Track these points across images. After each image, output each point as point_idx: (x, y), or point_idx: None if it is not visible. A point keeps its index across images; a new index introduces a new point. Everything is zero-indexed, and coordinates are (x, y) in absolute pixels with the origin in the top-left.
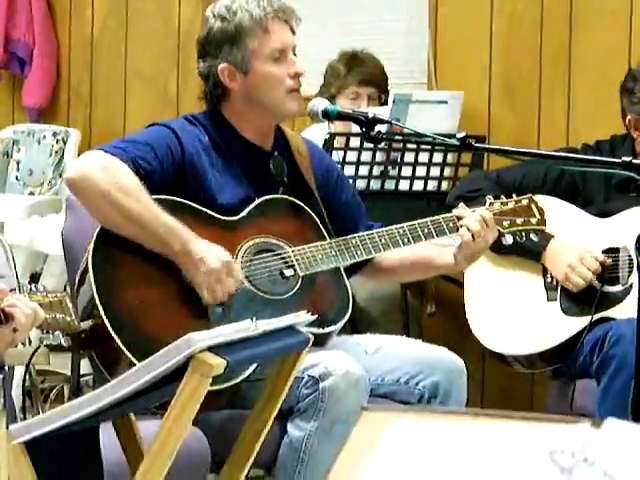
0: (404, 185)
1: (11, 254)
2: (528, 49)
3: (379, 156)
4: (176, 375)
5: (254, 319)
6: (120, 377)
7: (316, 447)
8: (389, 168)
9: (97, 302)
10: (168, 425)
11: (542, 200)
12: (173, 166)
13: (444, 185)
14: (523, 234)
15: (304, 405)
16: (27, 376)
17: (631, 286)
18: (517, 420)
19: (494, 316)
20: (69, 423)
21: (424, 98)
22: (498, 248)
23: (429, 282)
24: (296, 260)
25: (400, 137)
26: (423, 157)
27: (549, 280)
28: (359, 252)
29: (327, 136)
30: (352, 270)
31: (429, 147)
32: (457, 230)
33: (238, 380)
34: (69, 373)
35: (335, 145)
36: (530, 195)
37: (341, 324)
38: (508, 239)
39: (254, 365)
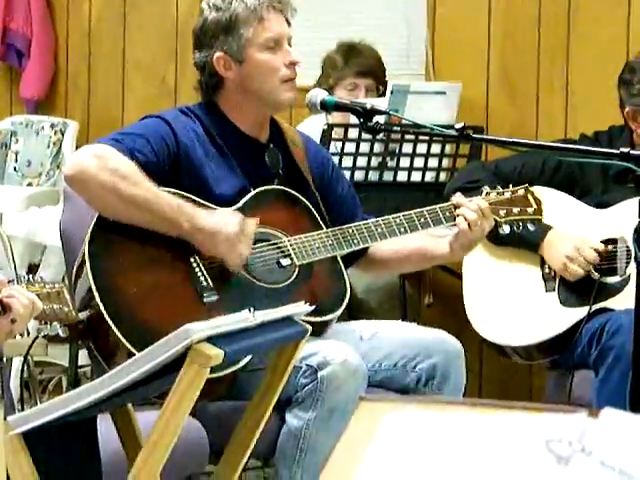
0: (402, 176)
1: (9, 245)
2: (526, 40)
3: (377, 147)
4: (174, 366)
5: (252, 310)
6: (118, 368)
7: (315, 436)
8: (387, 159)
9: (94, 292)
10: (166, 416)
11: (540, 191)
12: (169, 157)
13: (442, 176)
14: (520, 223)
15: (302, 394)
16: (25, 367)
17: (629, 277)
18: (514, 410)
19: (492, 307)
20: (67, 414)
21: (422, 89)
22: (495, 238)
23: (427, 273)
24: (293, 249)
25: (398, 128)
26: (421, 148)
27: (547, 271)
28: (356, 241)
29: (325, 127)
30: (347, 263)
31: (427, 138)
32: (454, 219)
33: (234, 368)
34: (67, 364)
35: (333, 136)
36: (526, 185)
37: (338, 312)
38: (505, 229)
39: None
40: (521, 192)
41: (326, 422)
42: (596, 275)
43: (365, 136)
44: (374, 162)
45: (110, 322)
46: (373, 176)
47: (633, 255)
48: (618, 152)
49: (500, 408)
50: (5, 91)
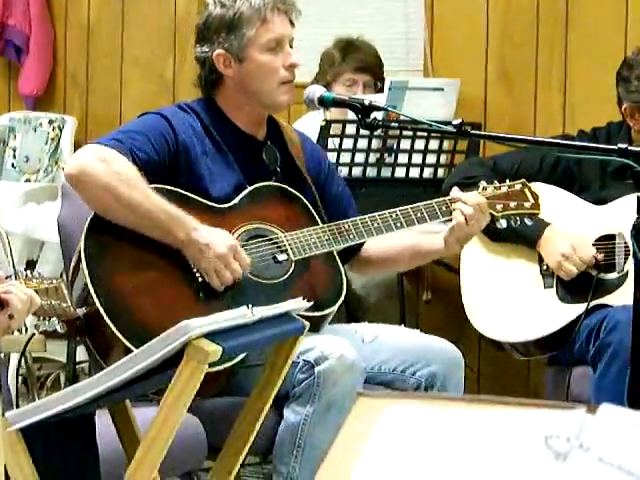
0: (400, 172)
1: (7, 241)
2: (524, 36)
3: (375, 143)
4: (172, 362)
5: (250, 306)
6: (116, 364)
7: (312, 431)
8: (385, 155)
9: (90, 289)
10: (164, 412)
11: (538, 187)
12: (168, 154)
13: (440, 172)
14: (517, 218)
15: (300, 390)
16: (23, 363)
17: (627, 273)
18: (512, 406)
19: (491, 303)
20: (65, 410)
21: (420, 85)
22: (492, 232)
23: (425, 269)
24: (289, 245)
25: (396, 124)
26: (419, 144)
27: (545, 267)
28: (352, 236)
29: (323, 123)
30: (341, 262)
31: (425, 134)
32: (450, 214)
33: (230, 364)
34: (65, 360)
35: (331, 132)
36: (523, 180)
37: (335, 307)
38: (502, 223)
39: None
40: (518, 187)
41: (323, 417)
42: (594, 271)
43: (363, 132)
44: (372, 158)
45: (106, 319)
46: (371, 172)
47: (631, 251)
48: (616, 148)
49: (498, 404)
50: (3, 87)
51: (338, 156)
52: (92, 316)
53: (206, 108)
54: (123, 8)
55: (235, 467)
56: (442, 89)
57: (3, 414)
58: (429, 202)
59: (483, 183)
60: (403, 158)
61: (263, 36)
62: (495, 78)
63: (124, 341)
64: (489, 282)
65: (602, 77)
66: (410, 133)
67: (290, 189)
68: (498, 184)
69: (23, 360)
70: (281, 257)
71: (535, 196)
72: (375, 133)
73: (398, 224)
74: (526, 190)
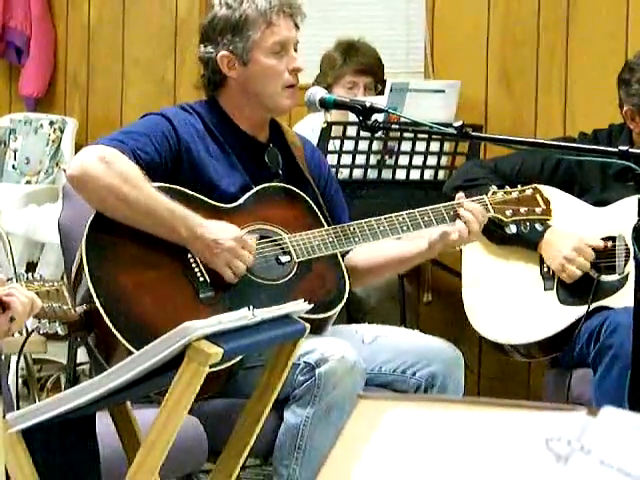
0: (401, 174)
1: (8, 243)
2: (525, 38)
3: (376, 145)
4: (173, 363)
5: (251, 307)
6: (117, 366)
7: (313, 433)
8: (386, 157)
9: (90, 289)
10: (165, 413)
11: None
12: (171, 154)
13: (441, 174)
14: (527, 224)
15: (300, 391)
16: (24, 364)
17: (627, 275)
18: (513, 408)
19: (491, 305)
20: (66, 411)
21: (421, 87)
22: (501, 238)
23: (426, 271)
24: (292, 246)
25: (397, 126)
26: (420, 146)
27: (546, 270)
28: (357, 239)
29: (324, 125)
30: None
31: (426, 136)
32: (456, 219)
33: (228, 364)
34: (66, 362)
35: (332, 134)
36: (535, 185)
37: (337, 310)
38: (512, 228)
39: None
40: (529, 192)
41: (324, 419)
42: (595, 273)
43: (364, 134)
44: (373, 160)
45: (106, 319)
46: (372, 174)
47: (632, 253)
48: (617, 150)
49: (499, 406)
50: (4, 88)
51: (339, 158)
52: (93, 315)
53: (208, 109)
54: (124, 9)
55: (235, 469)
56: (443, 91)
57: (4, 416)
58: (437, 206)
59: (494, 188)
60: (404, 160)
61: (268, 39)
62: (496, 80)
63: (123, 341)
64: (489, 284)
65: (603, 79)
66: (411, 135)
67: (296, 190)
68: (509, 189)
69: (24, 362)
70: (284, 258)
71: (547, 202)
72: (376, 135)
73: (404, 227)
74: (537, 195)
